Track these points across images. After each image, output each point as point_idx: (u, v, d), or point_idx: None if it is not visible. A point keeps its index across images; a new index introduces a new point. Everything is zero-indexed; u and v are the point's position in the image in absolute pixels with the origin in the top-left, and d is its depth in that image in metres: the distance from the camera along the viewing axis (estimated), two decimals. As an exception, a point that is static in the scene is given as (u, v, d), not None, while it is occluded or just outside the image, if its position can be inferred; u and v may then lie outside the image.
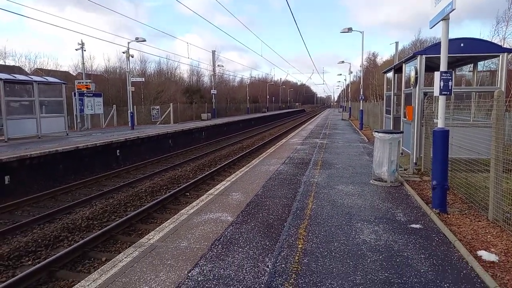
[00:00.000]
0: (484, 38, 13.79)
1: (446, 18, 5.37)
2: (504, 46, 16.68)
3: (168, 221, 5.31)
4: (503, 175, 4.85)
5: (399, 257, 3.91)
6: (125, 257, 4.00)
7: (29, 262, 5.74)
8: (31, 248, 6.15)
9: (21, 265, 5.66)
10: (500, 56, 8.48)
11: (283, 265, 3.73)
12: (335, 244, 4.29)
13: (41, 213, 8.11)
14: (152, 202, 8.52)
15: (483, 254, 4.02)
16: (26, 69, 35.65)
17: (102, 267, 3.84)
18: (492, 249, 4.15)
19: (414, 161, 8.80)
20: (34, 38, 76.80)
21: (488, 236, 4.55)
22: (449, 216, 5.39)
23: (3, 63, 33.83)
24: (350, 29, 23.03)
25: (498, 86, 8.43)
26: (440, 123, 5.62)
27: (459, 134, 7.50)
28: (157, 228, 4.99)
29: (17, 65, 35.47)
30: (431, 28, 5.97)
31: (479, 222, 5.06)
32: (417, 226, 4.90)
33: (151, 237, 4.63)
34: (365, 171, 8.71)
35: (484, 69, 21.56)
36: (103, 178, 11.86)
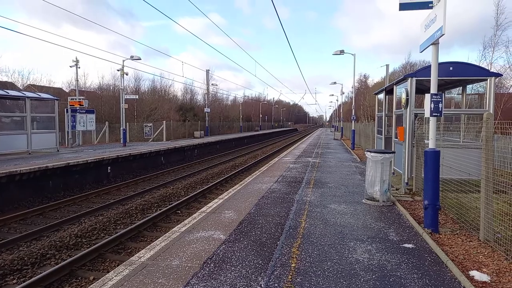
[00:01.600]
0: (472, 63, 14.19)
1: (436, 43, 5.54)
2: (492, 71, 17.17)
3: (160, 239, 5.24)
4: (494, 195, 4.91)
5: (392, 276, 3.89)
6: (115, 276, 3.92)
7: (14, 281, 5.57)
8: (16, 266, 5.98)
9: (5, 284, 5.49)
10: (488, 79, 8.72)
11: (276, 284, 3.68)
12: (328, 263, 4.26)
13: (28, 230, 7.93)
14: (143, 220, 8.39)
15: (475, 274, 4.02)
16: (19, 85, 35.50)
17: (91, 285, 3.75)
18: (484, 269, 4.16)
19: (406, 181, 8.86)
20: (28, 54, 76.89)
21: (480, 256, 4.56)
22: (441, 236, 5.41)
23: (-4, 78, 33.69)
24: (342, 51, 23.52)
25: (487, 108, 8.63)
26: (431, 143, 5.71)
27: (449, 155, 7.62)
28: (148, 246, 4.91)
29: (10, 80, 35.34)
30: (421, 52, 6.15)
31: (471, 242, 5.08)
32: (410, 245, 4.90)
33: (141, 255, 4.55)
34: (357, 190, 8.74)
35: (472, 92, 22.11)
36: (93, 195, 11.69)
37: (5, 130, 15.27)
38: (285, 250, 4.67)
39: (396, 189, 8.87)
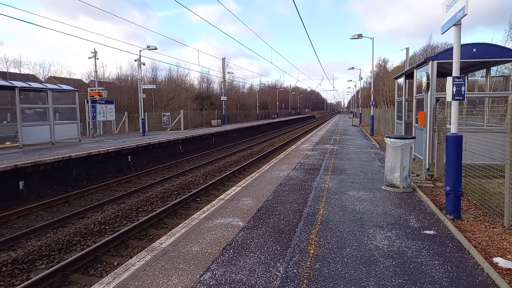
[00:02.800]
0: (497, 43, 13.64)
1: (458, 24, 5.34)
2: (518, 51, 16.44)
3: (180, 226, 5.34)
4: (519, 180, 4.75)
5: (413, 263, 3.86)
6: (138, 261, 4.03)
7: (43, 266, 5.81)
8: (44, 252, 6.23)
9: (35, 268, 5.74)
10: (514, 60, 8.36)
11: (294, 270, 3.71)
12: (347, 249, 4.25)
13: (54, 217, 8.22)
14: (163, 207, 8.57)
15: (499, 261, 3.94)
16: (40, 77, 36.40)
17: (115, 270, 3.87)
18: (509, 256, 4.07)
19: (427, 167, 8.69)
20: (48, 47, 78.50)
21: (504, 243, 4.46)
22: (463, 222, 5.31)
23: (18, 72, 34.63)
24: (360, 36, 22.99)
25: (512, 91, 8.31)
26: (453, 128, 5.56)
27: (472, 139, 7.40)
28: (169, 233, 5.02)
29: (31, 73, 36.26)
30: (442, 33, 5.94)
31: (495, 229, 4.97)
32: (431, 232, 4.83)
33: (163, 241, 4.65)
34: (376, 177, 8.63)
35: (497, 75, 21.28)
36: (115, 183, 11.99)
37: (29, 122, 15.75)
38: (304, 237, 4.69)
39: (417, 176, 8.72)
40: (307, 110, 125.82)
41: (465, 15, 4.97)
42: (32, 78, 33.72)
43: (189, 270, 3.76)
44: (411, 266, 3.78)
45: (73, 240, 6.81)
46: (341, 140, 19.23)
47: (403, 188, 7.16)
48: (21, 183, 10.15)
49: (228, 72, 45.76)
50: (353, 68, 34.65)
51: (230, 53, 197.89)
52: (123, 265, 4.00)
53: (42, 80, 35.28)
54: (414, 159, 9.92)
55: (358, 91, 56.82)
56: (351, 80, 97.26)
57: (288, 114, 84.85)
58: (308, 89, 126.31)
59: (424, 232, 4.84)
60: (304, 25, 51.91)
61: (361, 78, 38.01)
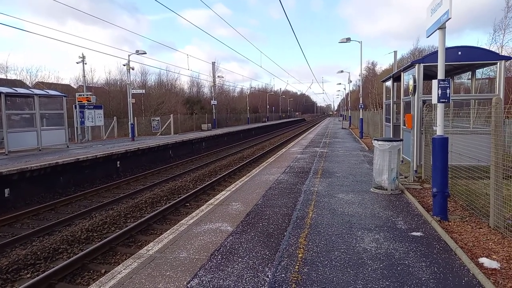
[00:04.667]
0: (482, 46, 13.87)
1: (442, 27, 5.42)
2: (502, 54, 16.79)
3: (168, 231, 5.29)
4: (503, 181, 4.83)
5: (400, 265, 3.88)
6: (124, 269, 3.97)
7: (28, 275, 5.69)
8: (30, 261, 6.11)
9: (20, 278, 5.62)
10: (498, 63, 8.53)
11: (283, 275, 3.70)
12: (336, 253, 4.25)
13: (40, 225, 8.08)
14: (152, 213, 8.48)
15: (485, 261, 3.98)
16: (28, 83, 35.87)
17: (101, 279, 3.81)
18: (494, 256, 4.12)
19: (415, 169, 8.78)
20: (36, 52, 77.59)
21: (490, 243, 4.51)
22: (450, 223, 5.36)
23: (5, 77, 34.09)
24: (348, 39, 23.22)
25: (497, 93, 8.46)
26: (439, 130, 5.63)
27: (459, 141, 7.51)
28: (157, 239, 4.96)
29: (18, 78, 35.73)
30: (427, 37, 6.03)
31: (480, 229, 5.03)
32: (418, 234, 4.87)
33: (150, 248, 4.60)
34: (365, 179, 8.68)
35: (482, 77, 21.66)
36: (103, 189, 11.84)
37: (15, 128, 15.47)
38: (292, 241, 4.68)
39: (405, 177, 8.79)
40: (297, 113, 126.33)
41: (449, 18, 5.04)
42: (19, 83, 33.22)
43: (176, 277, 3.72)
44: (398, 268, 3.80)
45: (60, 248, 6.69)
46: (330, 143, 19.33)
47: (391, 190, 7.21)
48: (6, 191, 9.95)
49: (218, 76, 45.79)
50: (342, 71, 34.96)
51: (221, 57, 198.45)
52: (109, 273, 3.94)
53: (30, 85, 34.76)
54: (402, 161, 10.02)
55: (347, 94, 57.27)
56: (340, 83, 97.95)
57: (279, 117, 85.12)
58: (298, 93, 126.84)
59: (412, 234, 4.88)
60: (293, 30, 52.24)
61: (350, 81, 38.38)
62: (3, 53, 68.29)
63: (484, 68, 16.12)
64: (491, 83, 21.25)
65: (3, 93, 13.93)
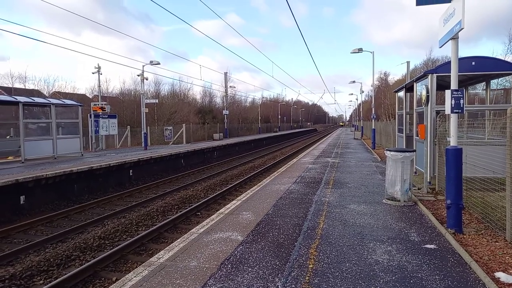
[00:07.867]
0: (497, 56, 13.72)
1: (455, 37, 5.38)
2: (518, 64, 16.50)
3: (178, 240, 5.31)
4: (520, 193, 4.71)
5: (413, 278, 3.80)
6: (135, 276, 3.99)
7: (41, 282, 5.76)
8: (43, 268, 6.18)
9: (33, 284, 5.69)
10: (513, 73, 8.40)
11: (293, 286, 3.66)
12: (347, 264, 4.20)
13: (54, 232, 8.19)
14: (163, 222, 8.53)
15: (501, 276, 3.87)
16: (45, 92, 36.86)
17: (111, 286, 3.83)
18: (511, 271, 4.00)
19: (428, 180, 8.64)
20: (53, 62, 79.66)
21: (506, 257, 4.39)
22: (464, 236, 5.25)
23: (23, 87, 35.08)
24: (360, 50, 23.21)
25: (512, 103, 8.31)
26: (452, 141, 5.55)
27: (473, 152, 7.38)
28: (167, 247, 4.99)
29: (36, 88, 36.73)
30: (440, 47, 5.99)
31: (496, 243, 4.90)
32: (432, 246, 4.77)
33: (160, 256, 4.62)
34: (377, 190, 8.58)
35: (498, 87, 21.32)
36: (116, 197, 11.97)
37: (32, 136, 15.86)
38: (303, 251, 4.64)
39: (418, 189, 8.66)
40: (309, 123, 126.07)
41: (462, 28, 5.01)
42: (37, 93, 34.15)
43: (186, 286, 3.72)
44: (411, 281, 3.72)
45: (72, 255, 6.76)
46: (342, 153, 19.20)
47: (404, 201, 7.11)
48: (22, 198, 10.15)
49: (230, 86, 46.16)
50: (354, 81, 34.96)
51: (233, 67, 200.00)
52: (119, 280, 3.96)
53: (47, 95, 35.69)
54: (415, 172, 9.88)
55: (359, 104, 56.99)
56: (352, 94, 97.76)
57: (290, 127, 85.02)
58: (310, 103, 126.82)
59: (425, 246, 4.79)
60: (304, 39, 52.36)
61: (362, 92, 38.20)
62: (21, 63, 70.31)
63: (500, 79, 15.90)
64: (506, 93, 20.91)
65: (21, 102, 14.31)
